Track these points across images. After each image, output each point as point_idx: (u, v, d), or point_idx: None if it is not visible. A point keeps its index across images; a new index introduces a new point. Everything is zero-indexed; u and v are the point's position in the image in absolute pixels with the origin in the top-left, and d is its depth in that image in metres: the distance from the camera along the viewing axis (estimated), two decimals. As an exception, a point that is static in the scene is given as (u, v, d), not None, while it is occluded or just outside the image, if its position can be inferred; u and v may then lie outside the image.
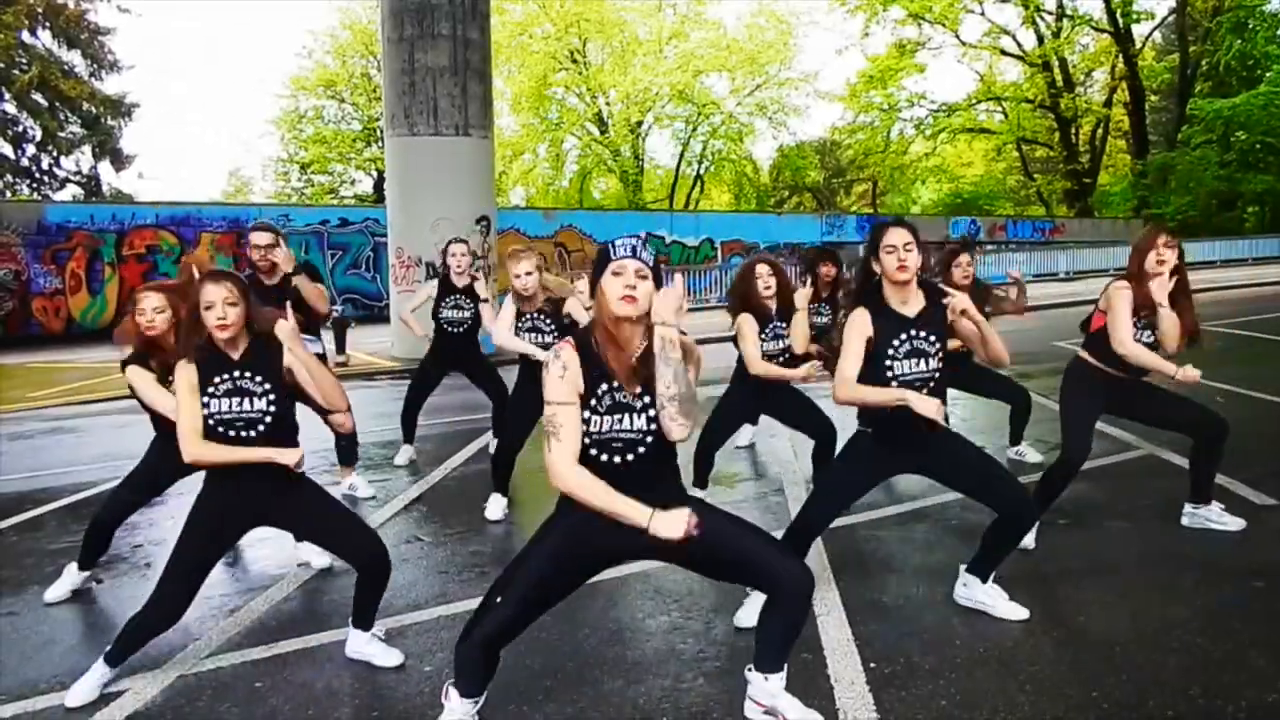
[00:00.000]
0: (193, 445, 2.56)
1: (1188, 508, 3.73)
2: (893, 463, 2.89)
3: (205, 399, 2.58)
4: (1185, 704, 2.35)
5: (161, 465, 3.29)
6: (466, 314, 4.98)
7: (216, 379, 2.60)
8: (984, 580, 2.96)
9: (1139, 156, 30.18)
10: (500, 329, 4.23)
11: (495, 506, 4.33)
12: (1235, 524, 3.62)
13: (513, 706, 2.48)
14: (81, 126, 24.25)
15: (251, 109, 61.11)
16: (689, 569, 2.27)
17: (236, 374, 2.61)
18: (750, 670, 2.32)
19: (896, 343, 2.66)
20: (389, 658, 2.76)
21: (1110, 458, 4.86)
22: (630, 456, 2.10)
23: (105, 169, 24.97)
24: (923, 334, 2.68)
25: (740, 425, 4.58)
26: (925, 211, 36.91)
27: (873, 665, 2.62)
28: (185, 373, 2.60)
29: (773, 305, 3.92)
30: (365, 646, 2.79)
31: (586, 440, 2.08)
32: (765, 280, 3.90)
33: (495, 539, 4.02)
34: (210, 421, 2.58)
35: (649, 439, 2.10)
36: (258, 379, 2.62)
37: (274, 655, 2.86)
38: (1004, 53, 31.93)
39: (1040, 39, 30.66)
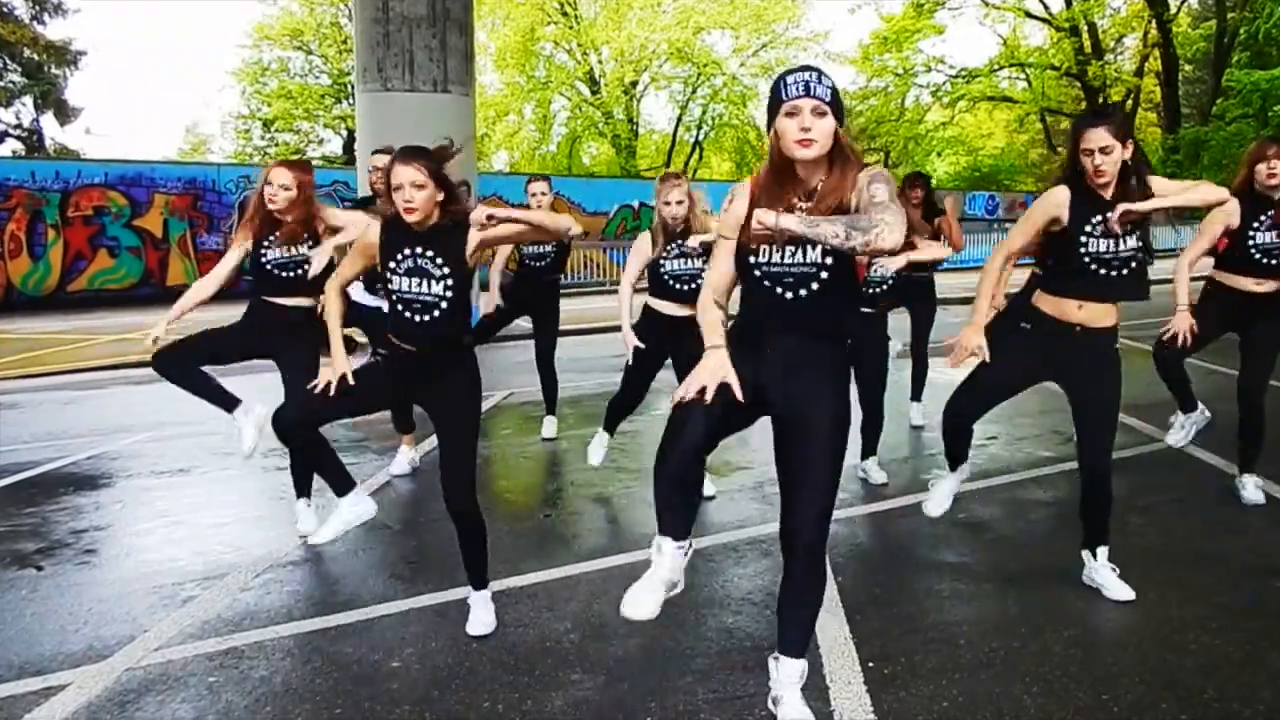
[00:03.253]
0: (333, 288, 2.86)
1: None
2: (1041, 362, 3.06)
3: (388, 274, 2.71)
4: (1200, 706, 2.39)
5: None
6: (549, 248, 5.38)
7: (400, 254, 2.70)
8: (1094, 556, 3.14)
9: (1170, 130, 30.19)
10: (628, 279, 4.25)
11: (596, 448, 4.60)
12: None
13: (486, 705, 2.50)
14: (22, 75, 23.89)
15: (211, 60, 60.40)
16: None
17: (419, 250, 2.69)
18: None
19: (1091, 225, 2.84)
20: (478, 626, 2.93)
21: (1129, 450, 4.90)
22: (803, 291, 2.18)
23: (49, 122, 24.68)
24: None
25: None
26: (941, 185, 36.80)
27: (871, 665, 2.65)
28: (369, 230, 2.78)
29: None
30: (478, 611, 2.96)
31: (757, 273, 2.20)
32: None
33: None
34: (393, 298, 2.71)
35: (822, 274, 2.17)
36: (438, 260, 2.69)
37: (229, 648, 2.86)
38: (1029, 15, 31.79)
39: (1068, 1, 30.54)
